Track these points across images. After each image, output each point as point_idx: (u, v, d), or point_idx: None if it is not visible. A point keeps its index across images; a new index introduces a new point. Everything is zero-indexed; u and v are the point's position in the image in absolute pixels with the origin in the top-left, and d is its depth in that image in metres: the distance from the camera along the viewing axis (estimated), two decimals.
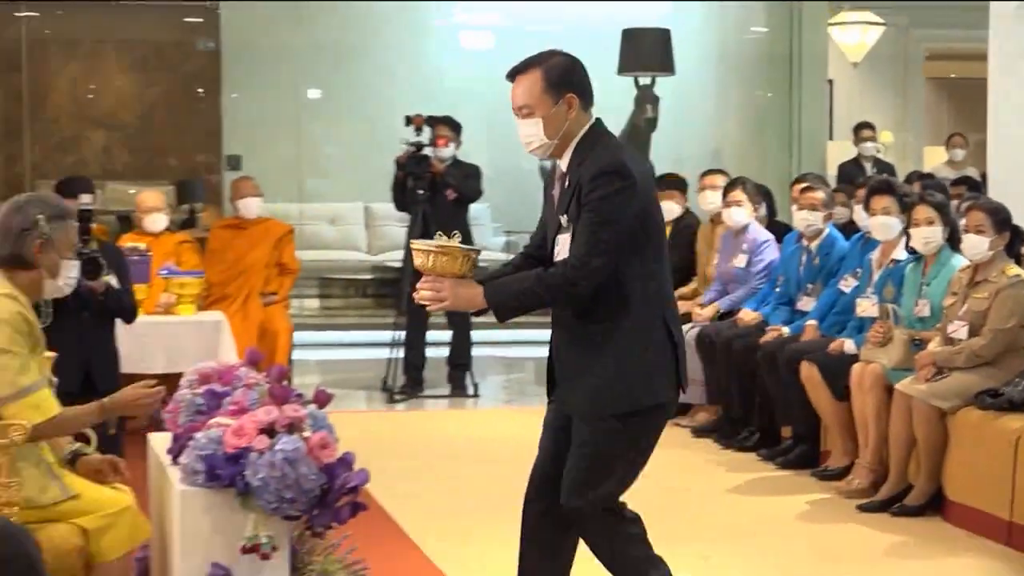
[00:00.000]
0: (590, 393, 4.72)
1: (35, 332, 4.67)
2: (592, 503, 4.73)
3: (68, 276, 4.82)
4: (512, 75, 4.79)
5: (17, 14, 16.73)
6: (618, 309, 4.67)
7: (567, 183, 4.75)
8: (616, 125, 13.56)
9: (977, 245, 7.21)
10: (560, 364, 4.87)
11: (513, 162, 14.82)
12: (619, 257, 4.61)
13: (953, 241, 7.62)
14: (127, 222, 11.42)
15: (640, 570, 4.83)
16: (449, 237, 4.70)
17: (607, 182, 4.59)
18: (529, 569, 4.92)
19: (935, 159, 16.56)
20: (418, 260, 4.66)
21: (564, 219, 4.69)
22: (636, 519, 4.89)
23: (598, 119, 4.81)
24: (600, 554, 4.86)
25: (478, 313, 4.76)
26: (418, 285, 4.64)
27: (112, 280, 7.61)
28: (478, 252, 4.69)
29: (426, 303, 4.61)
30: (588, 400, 4.73)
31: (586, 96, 4.78)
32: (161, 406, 4.77)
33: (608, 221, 4.58)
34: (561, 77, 4.74)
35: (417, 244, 4.68)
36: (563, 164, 4.79)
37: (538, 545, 4.91)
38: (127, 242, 9.28)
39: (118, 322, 7.80)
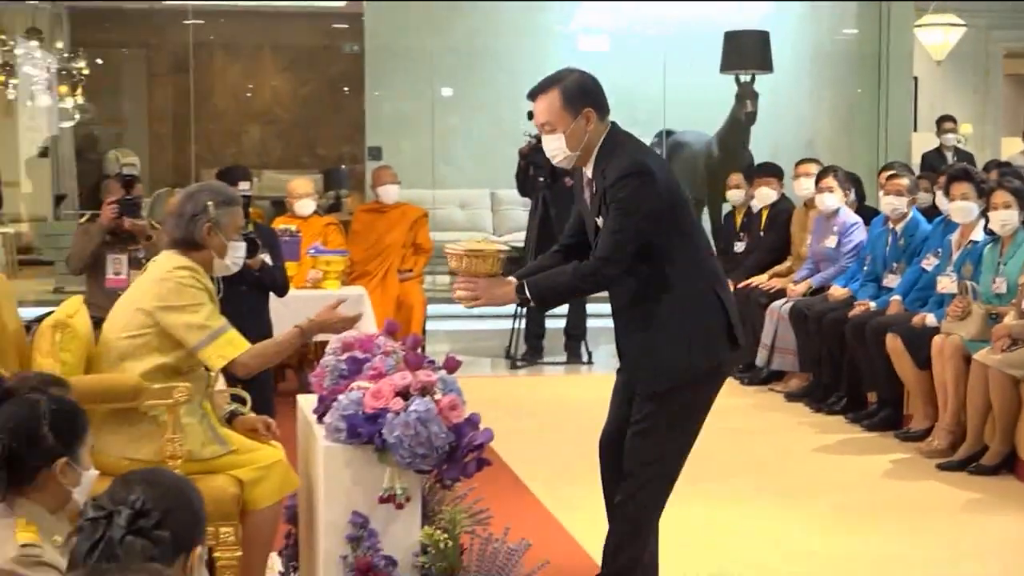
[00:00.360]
0: (651, 371, 4.73)
1: (213, 298, 4.73)
2: (652, 471, 4.76)
3: (235, 256, 4.86)
4: (532, 95, 4.75)
5: (185, 22, 16.93)
6: (665, 288, 4.66)
7: (595, 189, 4.72)
8: (719, 118, 13.52)
9: None
10: (622, 344, 4.88)
11: None
12: (654, 241, 4.60)
13: None
14: (280, 206, 11.50)
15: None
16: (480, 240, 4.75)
17: (628, 183, 4.56)
18: (609, 507, 4.97)
19: (1012, 149, 16.28)
20: (452, 263, 4.70)
21: (600, 221, 4.68)
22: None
23: (614, 123, 4.75)
24: (623, 492, 4.85)
25: (522, 303, 4.74)
26: (454, 285, 4.68)
27: (266, 258, 7.69)
28: (506, 251, 4.71)
29: (462, 301, 4.64)
30: (650, 378, 4.73)
31: (602, 108, 4.72)
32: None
33: (630, 215, 4.56)
34: (577, 94, 4.68)
35: (450, 248, 4.70)
36: (588, 172, 4.76)
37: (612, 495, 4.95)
38: (280, 224, 9.35)
39: (271, 295, 7.89)
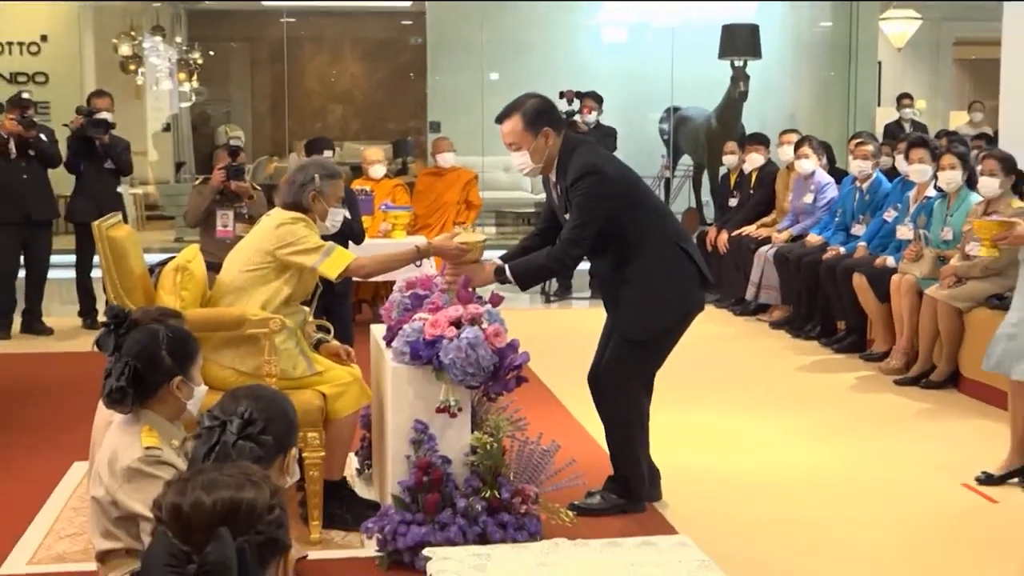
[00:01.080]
0: (630, 323, 4.73)
1: (318, 234, 4.71)
2: (623, 384, 4.78)
3: (334, 220, 4.84)
4: (499, 120, 4.69)
5: (280, 20, 16.92)
6: (636, 255, 4.65)
7: (560, 190, 4.70)
8: (717, 97, 13.40)
9: (990, 185, 7.00)
10: (606, 302, 4.89)
11: (641, 126, 14.70)
12: (617, 221, 4.57)
13: (971, 182, 7.45)
14: (357, 171, 11.47)
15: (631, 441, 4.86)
16: (465, 229, 4.75)
17: (583, 182, 4.55)
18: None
19: (959, 120, 16.11)
20: None
21: (568, 217, 4.66)
22: (645, 412, 4.90)
23: (567, 133, 4.69)
24: (606, 415, 4.89)
25: (501, 282, 4.70)
26: (444, 273, 4.67)
27: (345, 212, 7.64)
28: (485, 240, 4.71)
29: (449, 286, 4.63)
30: (629, 328, 4.73)
31: (558, 125, 4.66)
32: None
33: (587, 207, 4.55)
34: (535, 116, 4.62)
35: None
36: (553, 177, 4.73)
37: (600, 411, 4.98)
38: (357, 185, 9.33)
39: (350, 243, 7.87)
